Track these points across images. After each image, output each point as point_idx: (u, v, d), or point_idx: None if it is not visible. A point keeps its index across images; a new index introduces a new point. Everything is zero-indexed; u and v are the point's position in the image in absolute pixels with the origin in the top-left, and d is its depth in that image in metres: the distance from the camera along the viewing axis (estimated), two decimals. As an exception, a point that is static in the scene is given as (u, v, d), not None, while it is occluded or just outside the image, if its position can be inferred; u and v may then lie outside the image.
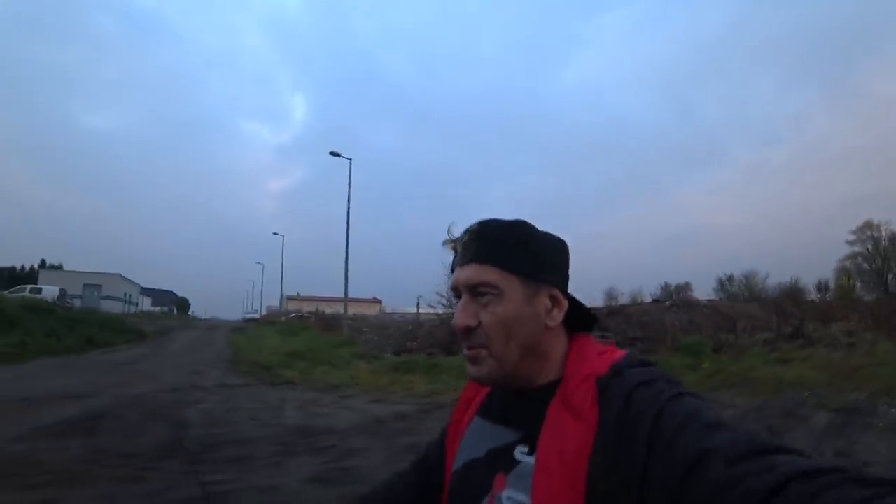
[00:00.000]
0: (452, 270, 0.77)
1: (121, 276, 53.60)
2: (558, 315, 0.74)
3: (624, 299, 31.41)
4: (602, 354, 0.71)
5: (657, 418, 0.57)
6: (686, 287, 44.89)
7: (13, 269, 47.56)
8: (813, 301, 26.47)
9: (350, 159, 22.40)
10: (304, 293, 65.85)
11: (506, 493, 0.68)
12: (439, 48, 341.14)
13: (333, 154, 22.30)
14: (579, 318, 0.79)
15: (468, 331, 0.71)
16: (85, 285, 44.45)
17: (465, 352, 0.73)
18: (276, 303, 71.86)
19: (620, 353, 0.71)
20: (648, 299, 31.16)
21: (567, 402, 0.66)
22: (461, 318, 0.71)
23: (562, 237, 0.80)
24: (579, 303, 0.78)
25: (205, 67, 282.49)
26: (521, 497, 0.65)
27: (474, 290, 0.72)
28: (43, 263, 51.10)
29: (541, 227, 0.78)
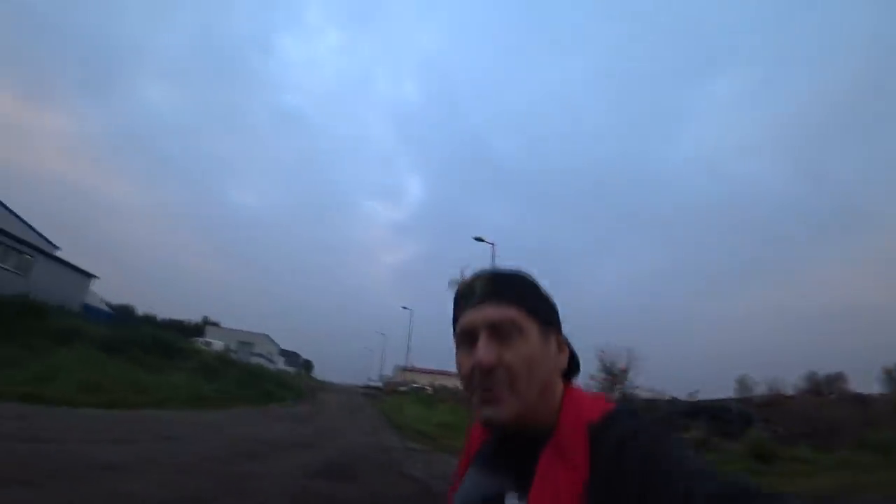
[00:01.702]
0: (458, 315, 0.78)
1: (268, 336, 59.79)
2: (564, 359, 0.78)
3: (760, 390, 27.85)
4: (595, 403, 0.73)
5: (648, 465, 0.58)
6: (839, 377, 38.77)
7: (181, 322, 55.06)
8: None
9: (493, 244, 23.61)
10: (414, 364, 67.50)
11: None
12: (547, 127, 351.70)
13: (478, 239, 23.60)
14: (569, 366, 0.81)
15: (491, 370, 0.70)
16: (240, 342, 50.17)
17: (482, 394, 0.71)
18: (386, 371, 74.47)
19: (612, 403, 0.73)
20: (790, 390, 27.44)
21: (560, 449, 0.66)
22: (487, 356, 0.70)
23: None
24: (574, 352, 0.81)
25: (335, 152, 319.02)
26: None
27: (495, 329, 0.72)
28: (206, 319, 58.76)
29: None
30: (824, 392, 27.26)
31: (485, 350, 0.71)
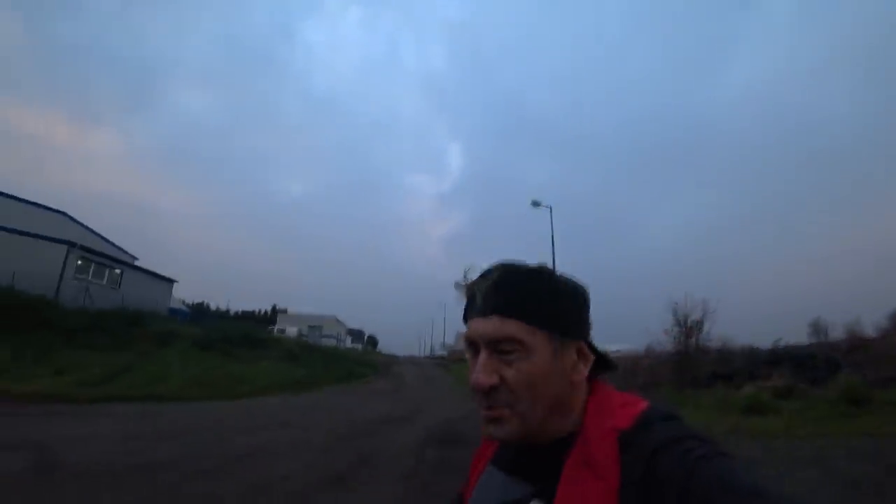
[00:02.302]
0: (466, 318, 0.72)
1: (336, 318, 62.68)
2: (584, 369, 0.71)
3: (836, 332, 26.03)
4: (624, 406, 0.67)
5: (687, 481, 0.53)
6: (928, 313, 36.14)
7: (252, 313, 58.44)
8: None
9: (550, 207, 23.24)
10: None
11: None
12: (585, 81, 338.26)
13: (535, 204, 23.15)
14: (598, 363, 0.74)
15: (490, 390, 0.66)
16: (309, 326, 52.88)
17: (484, 412, 0.68)
18: (449, 340, 76.57)
19: (644, 405, 0.67)
20: (871, 331, 25.68)
21: (587, 458, 0.61)
22: (483, 378, 0.66)
23: (582, 282, 0.74)
24: (600, 351, 0.75)
25: (372, 130, 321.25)
26: None
27: (496, 346, 0.67)
28: (275, 308, 62.19)
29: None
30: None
31: (482, 370, 0.67)
